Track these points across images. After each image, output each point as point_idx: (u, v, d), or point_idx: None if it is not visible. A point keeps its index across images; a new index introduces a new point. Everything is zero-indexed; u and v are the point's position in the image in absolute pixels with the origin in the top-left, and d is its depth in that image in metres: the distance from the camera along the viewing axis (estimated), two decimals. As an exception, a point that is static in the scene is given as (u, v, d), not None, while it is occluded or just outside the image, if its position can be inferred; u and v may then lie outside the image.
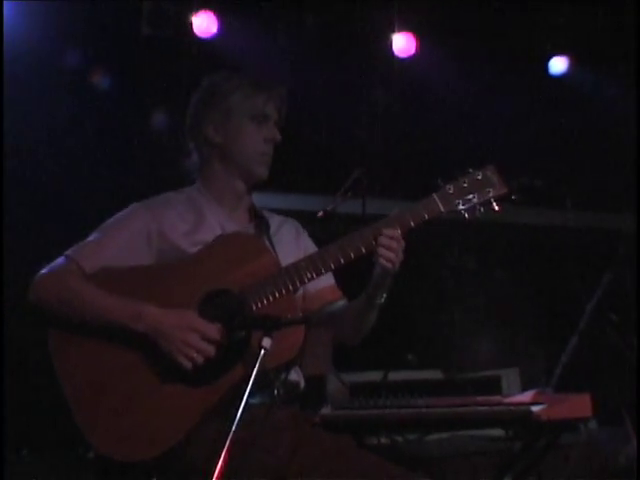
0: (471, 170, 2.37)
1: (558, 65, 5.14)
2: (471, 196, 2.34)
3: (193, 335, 2.25)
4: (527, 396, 2.56)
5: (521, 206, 2.40)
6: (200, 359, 2.25)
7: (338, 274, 2.53)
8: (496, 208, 2.34)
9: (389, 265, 2.32)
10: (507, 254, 5.08)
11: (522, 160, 4.79)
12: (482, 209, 2.35)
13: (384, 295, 2.44)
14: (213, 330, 2.27)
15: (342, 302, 2.59)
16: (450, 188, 2.35)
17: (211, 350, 2.26)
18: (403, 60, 4.93)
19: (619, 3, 4.42)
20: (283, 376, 2.37)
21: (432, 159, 4.95)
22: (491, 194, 2.34)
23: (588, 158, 5.04)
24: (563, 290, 5.04)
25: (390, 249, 2.31)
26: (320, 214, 3.57)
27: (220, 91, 2.52)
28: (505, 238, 4.92)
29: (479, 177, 2.36)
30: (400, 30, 4.90)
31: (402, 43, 4.92)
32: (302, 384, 2.50)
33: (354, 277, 2.49)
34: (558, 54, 5.13)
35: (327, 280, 2.56)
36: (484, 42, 4.93)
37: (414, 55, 4.93)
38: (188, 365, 2.25)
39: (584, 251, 5.10)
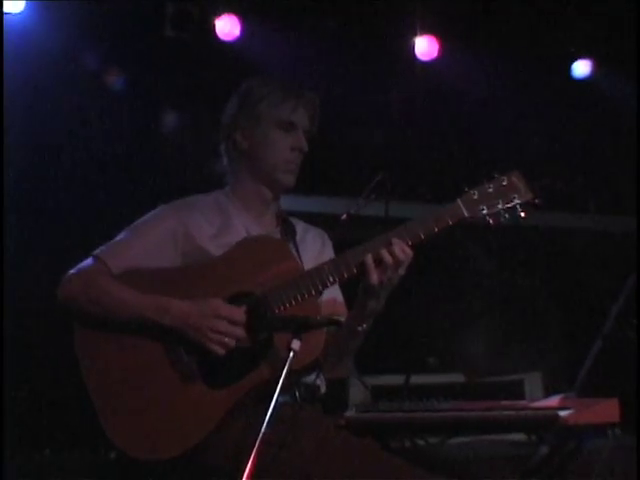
0: (496, 175, 2.34)
1: (582, 68, 5.11)
2: (496, 202, 2.32)
3: (220, 321, 2.27)
4: (554, 401, 2.55)
5: (543, 209, 2.37)
6: (232, 343, 2.27)
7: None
8: (522, 214, 2.31)
9: (374, 281, 2.28)
10: (529, 257, 5.06)
11: (545, 163, 4.79)
12: (507, 215, 2.32)
13: (367, 321, 2.39)
14: (239, 312, 2.29)
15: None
16: (475, 193, 2.33)
17: (240, 332, 2.27)
18: (425, 63, 4.93)
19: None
20: (305, 379, 2.39)
21: (455, 162, 4.94)
22: (516, 200, 2.31)
23: (611, 161, 5.02)
24: (586, 294, 5.02)
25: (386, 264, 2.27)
26: (343, 217, 3.57)
27: (251, 97, 2.53)
28: (527, 241, 4.89)
29: (504, 183, 2.33)
30: (422, 33, 4.89)
31: (424, 46, 4.91)
32: (323, 388, 2.51)
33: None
34: (582, 57, 5.10)
35: (334, 293, 2.55)
36: (507, 45, 4.91)
37: (437, 58, 4.92)
38: (221, 351, 2.26)
39: (607, 254, 5.07)
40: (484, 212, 2.32)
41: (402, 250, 2.28)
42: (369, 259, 2.28)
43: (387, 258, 2.27)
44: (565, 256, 5.20)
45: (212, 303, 2.29)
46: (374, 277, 2.28)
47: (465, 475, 3.39)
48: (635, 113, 4.60)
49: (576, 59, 5.12)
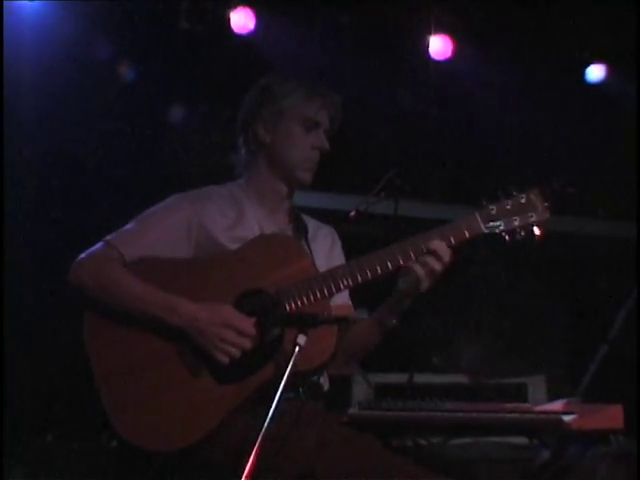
0: (515, 192, 2.35)
1: (596, 73, 5.09)
2: (513, 219, 2.33)
3: (229, 330, 2.26)
4: (558, 405, 2.54)
5: (553, 213, 2.38)
6: (237, 353, 2.26)
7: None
8: (537, 233, 2.33)
9: (425, 278, 2.32)
10: (536, 261, 5.05)
11: (557, 166, 4.78)
12: (523, 233, 2.33)
13: (397, 317, 2.44)
14: (248, 324, 2.28)
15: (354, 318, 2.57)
16: (493, 209, 2.34)
17: (247, 344, 2.27)
18: (439, 63, 4.91)
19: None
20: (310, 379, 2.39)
21: (466, 162, 4.94)
22: (533, 219, 2.32)
23: (623, 167, 4.99)
24: (592, 299, 5.01)
25: (439, 260, 2.31)
26: (352, 214, 3.57)
27: (276, 92, 2.53)
28: (534, 244, 4.88)
29: (523, 200, 2.34)
30: (437, 32, 4.88)
31: (439, 45, 4.89)
32: (326, 386, 2.51)
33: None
34: (596, 62, 5.08)
35: (342, 297, 2.56)
36: (521, 46, 4.89)
37: (451, 58, 4.90)
38: (225, 360, 2.26)
39: (615, 260, 5.05)
40: (501, 228, 2.33)
41: (446, 253, 2.31)
42: (419, 268, 2.31)
43: (436, 265, 2.31)
44: (572, 260, 5.18)
45: (223, 311, 2.29)
46: (426, 283, 2.33)
47: (466, 476, 3.39)
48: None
49: (590, 63, 5.09)
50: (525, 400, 3.99)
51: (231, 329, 2.26)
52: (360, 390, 3.89)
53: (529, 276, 5.18)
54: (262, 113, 2.54)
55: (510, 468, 3.35)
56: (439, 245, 2.31)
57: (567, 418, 2.40)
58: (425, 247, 2.33)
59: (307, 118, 2.52)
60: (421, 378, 3.95)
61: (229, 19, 4.64)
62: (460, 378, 4.19)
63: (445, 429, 2.83)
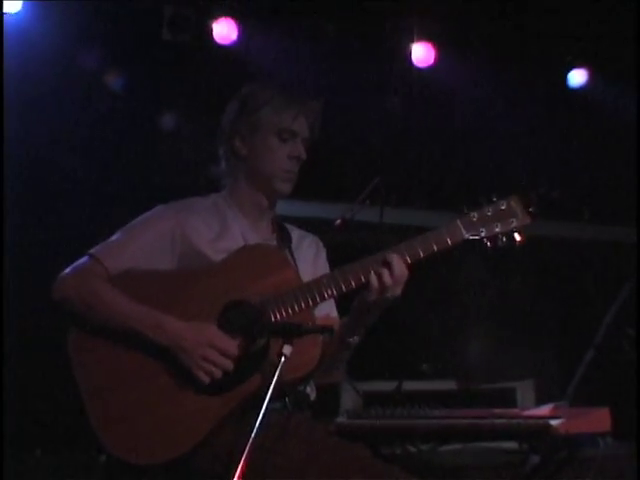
0: (495, 199, 2.38)
1: (577, 77, 5.12)
2: (494, 225, 2.34)
3: (212, 351, 2.27)
4: (545, 410, 2.55)
5: (539, 218, 2.40)
6: (218, 374, 2.27)
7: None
8: (518, 238, 2.34)
9: (372, 298, 2.30)
10: (524, 266, 5.07)
11: (540, 172, 4.80)
12: (504, 238, 2.35)
13: (359, 333, 2.41)
14: (232, 346, 2.29)
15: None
16: (474, 216, 2.35)
17: (229, 365, 2.28)
18: (422, 70, 4.93)
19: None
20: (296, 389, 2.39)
21: (450, 169, 4.96)
22: (514, 224, 2.34)
23: (607, 171, 5.02)
24: (580, 303, 5.03)
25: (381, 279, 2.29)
26: (338, 222, 3.58)
27: (252, 103, 2.53)
28: (522, 249, 4.90)
29: (503, 207, 2.35)
30: (419, 40, 4.90)
31: (421, 53, 4.91)
32: (313, 396, 2.51)
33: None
34: (578, 66, 5.11)
35: (328, 308, 2.56)
36: (503, 53, 4.92)
37: (433, 65, 4.93)
38: (206, 380, 2.27)
39: (601, 264, 5.08)
40: (482, 235, 2.34)
41: (401, 269, 2.30)
42: (373, 278, 2.30)
43: (386, 277, 2.29)
44: (559, 265, 5.20)
45: (208, 331, 2.29)
46: (373, 295, 2.30)
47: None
48: (631, 122, 4.61)
49: (572, 68, 5.13)
50: (514, 405, 4.00)
51: (214, 349, 2.27)
52: (348, 398, 3.89)
53: (517, 281, 5.20)
54: (238, 126, 2.54)
55: (500, 473, 3.35)
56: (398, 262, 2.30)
57: (554, 422, 2.41)
58: (409, 255, 2.34)
59: (282, 128, 2.51)
60: (410, 385, 3.95)
61: (212, 30, 4.65)
62: (449, 384, 4.20)
63: (434, 436, 2.84)
